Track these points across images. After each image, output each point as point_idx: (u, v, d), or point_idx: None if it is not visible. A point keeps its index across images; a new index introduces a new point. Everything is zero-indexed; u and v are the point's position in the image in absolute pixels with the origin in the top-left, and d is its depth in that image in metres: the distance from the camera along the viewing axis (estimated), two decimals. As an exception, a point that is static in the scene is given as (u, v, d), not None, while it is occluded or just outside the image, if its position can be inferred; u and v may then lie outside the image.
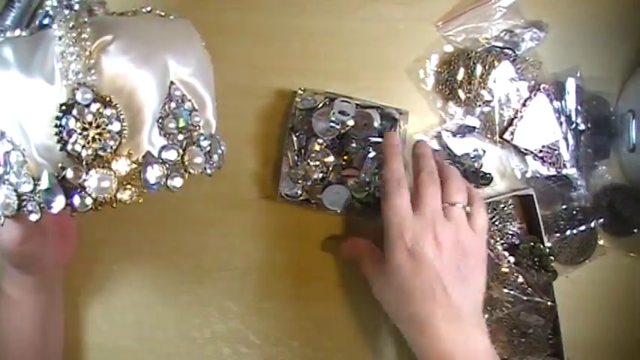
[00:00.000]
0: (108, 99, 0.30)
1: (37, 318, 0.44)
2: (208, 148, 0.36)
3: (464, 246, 0.41)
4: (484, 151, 0.52)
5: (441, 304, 0.39)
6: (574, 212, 0.52)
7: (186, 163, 0.33)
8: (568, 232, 0.52)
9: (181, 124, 0.33)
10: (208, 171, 0.35)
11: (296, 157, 0.49)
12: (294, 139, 0.49)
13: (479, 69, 0.51)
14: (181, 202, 0.51)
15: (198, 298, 0.51)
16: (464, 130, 0.52)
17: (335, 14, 0.52)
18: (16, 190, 0.31)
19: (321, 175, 0.48)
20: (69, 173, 0.30)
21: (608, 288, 0.53)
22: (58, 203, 0.30)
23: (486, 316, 0.49)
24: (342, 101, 0.48)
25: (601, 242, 0.52)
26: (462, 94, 0.51)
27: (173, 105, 0.33)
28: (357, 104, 0.49)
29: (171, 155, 0.32)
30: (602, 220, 0.52)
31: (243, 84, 0.51)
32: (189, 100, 0.34)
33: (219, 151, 0.37)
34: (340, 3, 0.52)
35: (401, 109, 0.50)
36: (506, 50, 0.51)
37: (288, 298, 0.51)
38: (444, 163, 0.47)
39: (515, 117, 0.51)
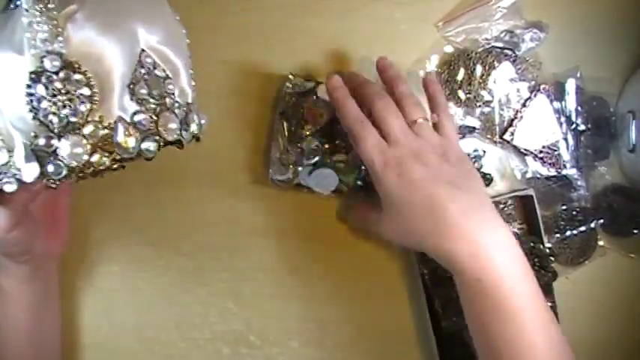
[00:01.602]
0: (76, 65, 0.30)
1: (32, 308, 0.44)
2: (184, 116, 0.36)
3: (441, 150, 0.42)
4: (484, 152, 0.52)
5: (444, 204, 0.39)
6: (574, 213, 0.52)
7: (160, 127, 0.33)
8: (568, 233, 0.52)
9: (154, 90, 0.33)
10: (185, 137, 0.35)
11: (287, 142, 0.49)
12: (284, 124, 0.49)
13: (479, 69, 0.51)
14: (181, 203, 0.51)
15: (198, 298, 0.51)
16: (464, 131, 0.52)
17: (336, 14, 0.52)
18: None
19: (311, 159, 0.48)
20: (41, 141, 0.30)
21: (608, 289, 0.53)
22: (32, 171, 0.30)
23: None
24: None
25: (601, 243, 0.53)
26: (462, 94, 0.51)
27: (144, 71, 0.33)
28: None
29: (144, 119, 0.33)
30: (602, 221, 0.52)
31: (243, 85, 0.51)
32: (162, 68, 0.34)
33: (198, 122, 0.37)
34: (341, 3, 0.52)
35: None
36: (506, 51, 0.51)
37: (288, 298, 0.51)
38: (390, 78, 0.46)
39: (516, 117, 0.51)
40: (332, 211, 0.51)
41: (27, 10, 0.30)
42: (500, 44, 0.51)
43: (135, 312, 0.51)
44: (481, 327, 0.40)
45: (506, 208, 0.52)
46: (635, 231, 0.52)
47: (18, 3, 0.32)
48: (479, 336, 0.40)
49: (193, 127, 0.37)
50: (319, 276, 0.51)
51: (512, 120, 0.51)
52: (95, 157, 0.31)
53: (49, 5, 0.30)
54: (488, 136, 0.52)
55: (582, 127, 0.52)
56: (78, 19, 0.31)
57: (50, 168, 0.31)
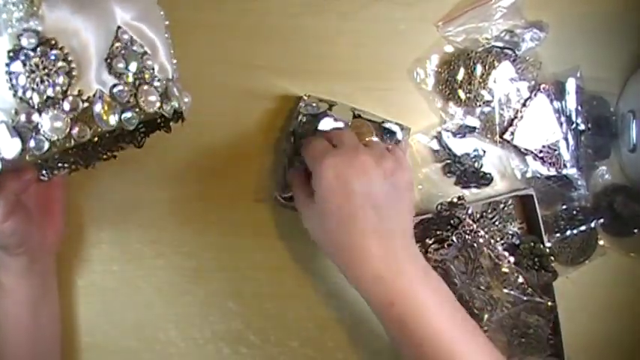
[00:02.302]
0: (53, 41, 0.31)
1: (29, 303, 0.44)
2: (164, 89, 0.36)
3: (385, 168, 0.41)
4: (484, 152, 0.52)
5: (367, 225, 0.39)
6: (574, 212, 0.52)
7: (140, 99, 0.34)
8: (568, 233, 0.52)
9: (132, 66, 0.34)
10: (166, 110, 0.35)
11: (294, 162, 0.48)
12: (293, 143, 0.49)
13: (479, 69, 0.51)
14: (181, 202, 0.51)
15: (198, 298, 0.51)
16: (464, 131, 0.52)
17: (336, 15, 0.52)
18: None
19: None
20: (22, 117, 0.31)
21: (608, 288, 0.53)
22: (14, 147, 0.31)
23: (486, 316, 0.49)
24: (330, 115, 0.48)
25: (601, 242, 0.53)
26: (462, 94, 0.51)
27: (120, 45, 0.34)
28: (355, 114, 0.48)
29: (122, 91, 0.33)
30: (602, 221, 0.52)
31: (243, 85, 0.51)
32: (140, 44, 0.35)
33: (179, 97, 0.37)
34: (341, 4, 0.52)
35: (403, 124, 0.49)
36: (506, 50, 0.51)
37: (288, 298, 0.51)
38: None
39: (516, 117, 0.51)
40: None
41: None
42: (500, 44, 0.51)
43: (134, 311, 0.51)
44: (397, 348, 0.40)
45: (506, 208, 0.52)
46: (636, 230, 0.52)
47: None
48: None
49: (174, 102, 0.37)
50: (319, 276, 0.51)
51: (513, 119, 0.51)
52: (75, 130, 0.32)
53: None
54: (489, 136, 0.52)
55: (582, 127, 0.52)
56: None
57: (32, 143, 0.31)
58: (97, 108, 0.32)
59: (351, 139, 0.43)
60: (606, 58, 0.53)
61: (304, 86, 0.51)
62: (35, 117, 0.31)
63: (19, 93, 0.31)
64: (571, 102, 0.51)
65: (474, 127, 0.52)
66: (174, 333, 0.51)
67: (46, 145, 0.31)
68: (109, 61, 0.33)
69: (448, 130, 0.51)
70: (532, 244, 0.50)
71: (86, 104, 0.32)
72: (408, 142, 0.50)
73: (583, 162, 0.52)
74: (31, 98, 0.31)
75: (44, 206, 0.46)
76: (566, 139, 0.51)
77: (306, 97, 0.49)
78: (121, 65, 0.33)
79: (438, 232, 0.50)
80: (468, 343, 0.39)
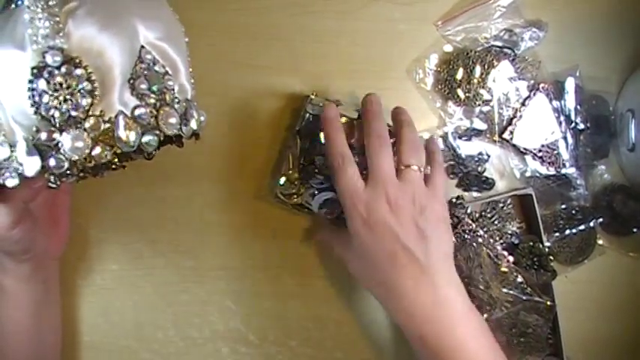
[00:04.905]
0: (77, 60, 0.31)
1: (31, 307, 0.44)
2: (183, 112, 0.36)
3: (421, 204, 0.41)
4: (489, 156, 0.52)
5: (403, 263, 0.39)
6: (573, 212, 0.52)
7: (160, 122, 0.34)
8: (567, 232, 0.52)
9: (153, 86, 0.34)
10: (185, 132, 0.36)
11: (297, 160, 0.48)
12: (298, 142, 0.49)
13: (478, 68, 0.51)
14: (181, 201, 0.51)
15: (197, 297, 0.51)
16: (470, 133, 0.52)
17: (336, 14, 0.52)
18: None
19: (319, 180, 0.47)
20: (43, 135, 0.30)
21: (607, 288, 0.53)
22: (34, 165, 0.31)
23: (486, 315, 0.49)
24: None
25: (600, 242, 0.53)
26: (461, 93, 0.51)
27: (144, 66, 0.33)
28: (360, 114, 0.47)
29: (144, 113, 0.33)
30: (601, 220, 0.52)
31: (243, 84, 0.51)
32: (161, 64, 0.35)
33: (197, 118, 0.37)
34: (341, 4, 0.52)
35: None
36: (505, 50, 0.51)
37: (287, 297, 0.51)
38: (401, 122, 0.44)
39: (515, 116, 0.51)
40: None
41: (28, 7, 0.30)
42: (499, 43, 0.51)
43: (133, 310, 0.51)
44: None
45: (505, 207, 0.52)
46: (635, 230, 0.52)
47: (19, 3, 0.33)
48: None
49: (193, 123, 0.37)
50: (319, 275, 0.51)
51: (512, 119, 0.51)
52: (96, 151, 0.32)
53: (50, 2, 0.31)
54: (488, 135, 0.52)
55: (581, 126, 0.52)
56: (79, 15, 0.31)
57: (52, 162, 0.31)
58: (119, 129, 0.32)
59: (385, 166, 0.41)
60: (605, 58, 0.53)
61: (303, 85, 0.51)
62: (56, 136, 0.31)
63: (41, 110, 0.30)
64: (570, 101, 0.51)
65: (481, 130, 0.52)
66: (173, 332, 0.51)
67: (66, 165, 0.31)
68: (131, 82, 0.33)
69: (455, 132, 0.51)
70: (531, 243, 0.50)
71: (107, 125, 0.32)
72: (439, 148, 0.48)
73: (582, 161, 0.52)
74: (52, 116, 0.31)
75: (50, 213, 0.46)
76: (565, 139, 0.51)
77: (312, 96, 0.49)
78: (144, 86, 0.33)
79: (437, 232, 0.50)
80: None
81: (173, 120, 0.34)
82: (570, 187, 0.52)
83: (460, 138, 0.52)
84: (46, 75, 0.30)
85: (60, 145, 0.31)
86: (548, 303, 0.50)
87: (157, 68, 0.34)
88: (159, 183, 0.51)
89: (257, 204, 0.51)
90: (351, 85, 0.51)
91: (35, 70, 0.30)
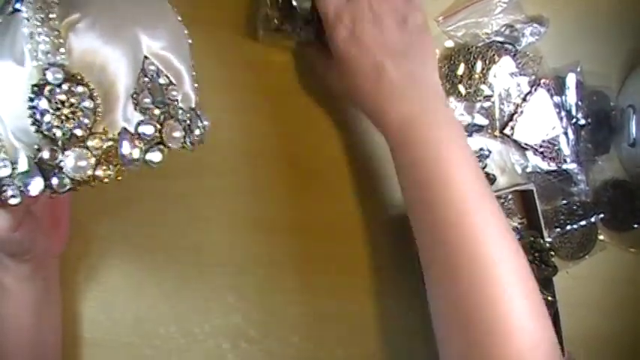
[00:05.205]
0: (79, 77, 0.30)
1: (32, 306, 0.44)
2: (188, 122, 0.35)
3: (402, 13, 0.41)
4: (490, 151, 0.52)
5: (389, 72, 0.39)
6: (574, 207, 0.52)
7: (165, 137, 0.33)
8: (568, 227, 0.52)
9: (157, 98, 0.33)
10: (189, 145, 0.35)
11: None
12: None
13: (479, 64, 0.51)
14: (181, 197, 0.51)
15: (198, 293, 0.51)
16: (472, 129, 0.52)
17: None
18: None
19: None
20: (45, 154, 0.30)
21: (608, 283, 0.53)
22: (37, 185, 0.30)
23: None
24: None
25: (601, 237, 0.53)
26: (462, 89, 0.51)
27: (147, 79, 0.33)
28: None
29: (148, 130, 0.32)
30: (602, 215, 0.52)
31: (242, 83, 0.51)
32: (165, 75, 0.34)
33: (201, 125, 0.37)
34: None
35: None
36: (506, 45, 0.51)
37: (288, 292, 0.51)
38: None
39: (516, 112, 0.51)
40: (333, 206, 0.51)
41: (27, 20, 0.29)
42: (500, 39, 0.51)
43: (134, 307, 0.51)
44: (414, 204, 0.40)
45: (506, 203, 0.52)
46: (636, 225, 0.53)
47: (17, 7, 0.32)
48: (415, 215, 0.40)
49: (197, 132, 0.36)
50: (320, 271, 0.51)
51: (513, 114, 0.51)
52: (100, 171, 0.31)
53: (51, 15, 0.30)
54: (489, 131, 0.52)
55: (582, 122, 0.52)
56: (80, 28, 0.30)
57: (54, 181, 0.30)
58: (123, 148, 0.31)
59: None
60: (606, 53, 0.53)
61: (303, 85, 0.51)
62: (59, 155, 0.30)
63: (43, 129, 0.29)
64: (571, 97, 0.51)
65: (482, 126, 0.52)
66: (174, 328, 0.51)
67: (69, 184, 0.31)
68: (135, 96, 0.32)
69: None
70: (532, 238, 0.50)
71: (111, 142, 0.31)
72: None
73: (583, 157, 0.52)
74: (54, 135, 0.30)
75: (51, 212, 0.45)
76: (566, 134, 0.52)
77: None
78: (147, 100, 0.32)
79: (438, 227, 0.50)
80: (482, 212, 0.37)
81: (178, 134, 0.33)
82: (571, 182, 0.52)
83: (461, 133, 0.52)
84: (47, 93, 0.29)
85: (62, 164, 0.30)
86: (549, 298, 0.50)
87: (161, 80, 0.33)
88: (160, 178, 0.50)
89: (258, 198, 0.51)
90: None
91: (36, 88, 0.29)
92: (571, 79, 0.51)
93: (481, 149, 0.52)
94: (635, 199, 0.52)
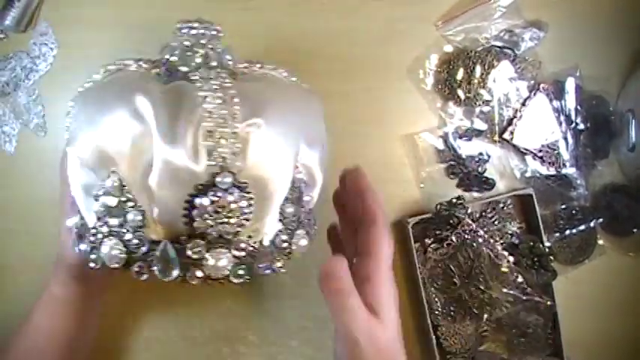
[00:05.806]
0: (245, 187, 0.30)
1: (81, 318, 0.43)
2: (307, 228, 0.35)
3: None
4: (489, 156, 0.52)
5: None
6: (573, 212, 0.52)
7: (293, 247, 0.33)
8: (567, 232, 0.52)
9: (295, 209, 0.33)
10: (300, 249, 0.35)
11: None
12: None
13: (478, 69, 0.51)
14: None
15: (197, 297, 0.51)
16: (471, 134, 0.52)
17: (335, 14, 0.52)
18: (126, 247, 0.31)
19: None
20: (190, 251, 0.30)
21: (607, 288, 0.53)
22: (173, 274, 0.31)
23: (486, 315, 0.49)
24: None
25: (600, 242, 0.53)
26: (461, 93, 0.51)
27: (295, 193, 0.33)
28: None
29: (282, 242, 0.33)
30: (601, 220, 0.52)
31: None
32: (305, 182, 0.34)
33: (312, 232, 0.36)
34: (341, 3, 0.52)
35: None
36: (505, 50, 0.51)
37: (287, 297, 0.51)
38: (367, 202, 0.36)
39: (515, 116, 0.51)
40: (333, 210, 0.51)
41: (209, 113, 0.29)
42: (499, 43, 0.51)
43: (134, 311, 0.51)
44: None
45: (505, 208, 0.52)
46: (635, 230, 0.52)
47: (171, 59, 0.33)
48: None
49: (312, 232, 0.36)
50: (319, 275, 0.51)
51: (512, 119, 0.52)
52: (235, 276, 0.31)
53: (235, 114, 0.29)
54: (488, 136, 0.52)
55: (582, 126, 0.52)
56: (259, 137, 0.30)
57: (189, 274, 0.31)
58: (257, 256, 0.31)
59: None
60: (605, 58, 0.53)
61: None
62: (203, 253, 0.30)
63: (195, 224, 0.29)
64: (570, 101, 0.51)
65: (481, 130, 0.52)
66: (173, 332, 0.51)
67: (200, 276, 0.31)
68: (281, 207, 0.32)
69: (455, 132, 0.51)
70: (531, 243, 0.50)
71: (251, 249, 0.31)
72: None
73: (582, 161, 0.52)
74: (204, 233, 0.30)
75: None
76: (565, 139, 0.52)
77: None
78: (289, 211, 0.32)
79: (438, 232, 0.50)
80: None
81: (304, 242, 0.34)
82: (570, 187, 0.52)
83: (460, 138, 0.52)
84: (211, 195, 0.29)
85: (204, 261, 0.30)
86: (549, 303, 0.50)
87: (301, 188, 0.33)
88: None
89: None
90: (350, 85, 0.51)
91: (201, 187, 0.29)
92: (570, 84, 0.51)
93: (480, 154, 0.52)
94: (634, 204, 0.52)
